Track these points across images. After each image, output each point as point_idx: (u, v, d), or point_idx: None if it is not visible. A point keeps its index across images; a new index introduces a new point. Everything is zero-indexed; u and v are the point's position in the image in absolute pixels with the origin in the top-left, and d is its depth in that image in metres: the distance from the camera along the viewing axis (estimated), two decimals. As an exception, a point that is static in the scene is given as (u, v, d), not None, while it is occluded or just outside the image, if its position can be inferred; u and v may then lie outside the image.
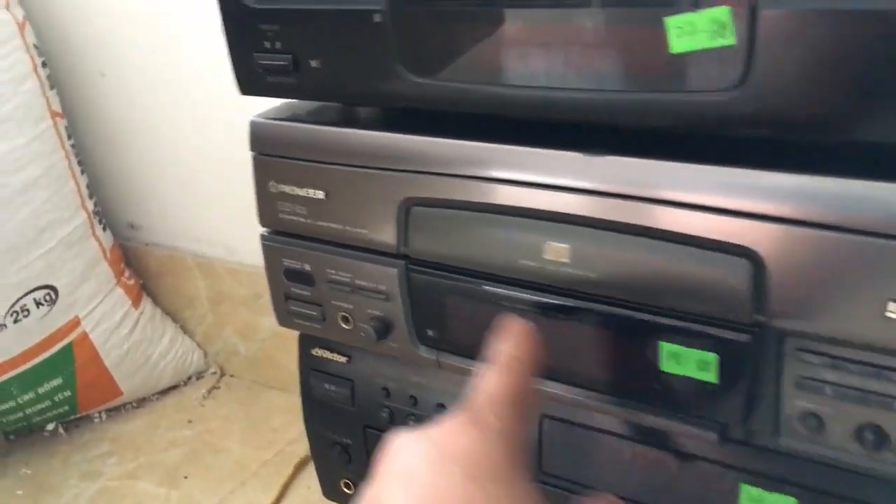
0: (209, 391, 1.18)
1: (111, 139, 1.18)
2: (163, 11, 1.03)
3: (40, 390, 1.06)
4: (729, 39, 0.36)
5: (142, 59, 1.08)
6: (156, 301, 1.22)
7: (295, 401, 1.14)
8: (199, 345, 1.22)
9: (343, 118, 0.55)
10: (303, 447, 1.02)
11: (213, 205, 1.13)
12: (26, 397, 1.05)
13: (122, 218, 1.24)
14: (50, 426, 1.11)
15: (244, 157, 1.06)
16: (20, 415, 1.06)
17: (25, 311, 1.01)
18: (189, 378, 1.21)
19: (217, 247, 1.16)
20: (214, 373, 1.22)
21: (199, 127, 1.08)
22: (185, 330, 1.22)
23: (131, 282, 1.16)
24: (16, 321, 1.01)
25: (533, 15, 0.41)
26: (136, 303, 1.15)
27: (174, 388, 1.20)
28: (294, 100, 0.58)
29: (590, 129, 0.45)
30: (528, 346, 0.41)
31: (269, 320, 1.13)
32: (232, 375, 1.22)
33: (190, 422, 1.12)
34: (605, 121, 0.42)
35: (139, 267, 1.23)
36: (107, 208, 1.20)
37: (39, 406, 1.07)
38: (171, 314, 1.23)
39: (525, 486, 0.35)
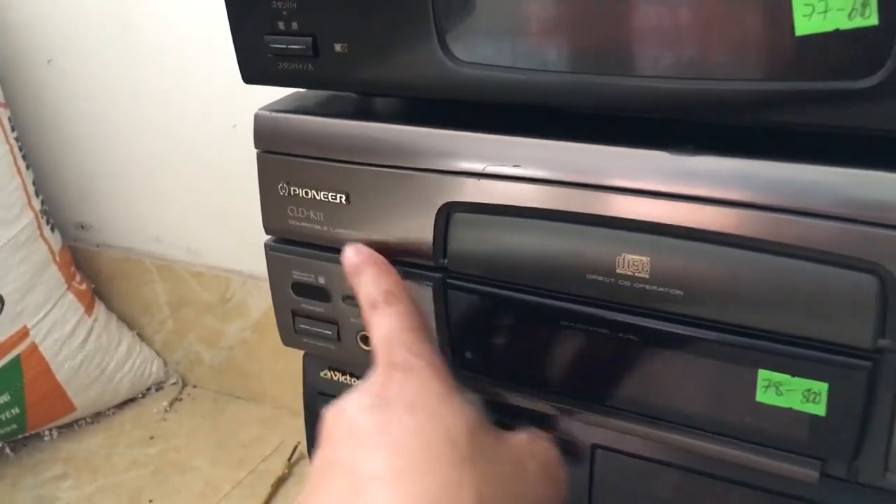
0: (171, 403, 1.10)
1: (58, 132, 1.08)
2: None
3: (-15, 409, 0.96)
4: (871, 19, 0.31)
5: (92, 43, 0.99)
6: (109, 307, 1.12)
7: (265, 412, 1.07)
8: (158, 353, 1.13)
9: (360, 110, 0.48)
10: (278, 464, 0.95)
11: (174, 202, 1.05)
12: (-30, 417, 0.95)
13: (70, 217, 1.14)
14: (-4, 447, 1.01)
15: (210, 150, 0.98)
16: (-37, 436, 0.97)
17: (-32, 323, 0.91)
18: (148, 390, 1.12)
19: (178, 248, 1.07)
20: (175, 383, 1.13)
21: (156, 117, 1.00)
22: (142, 337, 1.14)
23: (83, 286, 1.07)
24: (-43, 335, 0.91)
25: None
26: (88, 309, 1.06)
27: (132, 401, 1.11)
28: (298, 90, 0.51)
29: (671, 125, 0.39)
30: (389, 273, 0.43)
31: (236, 326, 1.05)
32: (195, 386, 1.13)
33: (152, 438, 1.03)
34: (701, 115, 0.36)
35: (90, 270, 1.13)
36: (54, 207, 1.10)
37: (-16, 426, 0.97)
38: (127, 321, 1.14)
39: (463, 406, 0.37)
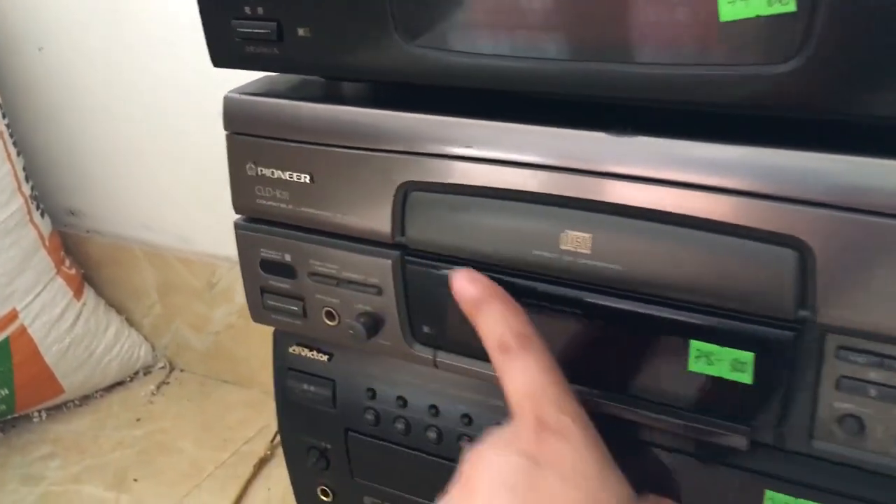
0: (158, 387, 1.12)
1: (49, 119, 1.10)
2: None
3: (-26, 389, 0.98)
4: (789, 5, 0.33)
5: (83, 31, 1.01)
6: (98, 292, 1.14)
7: (252, 396, 1.09)
8: (146, 338, 1.16)
9: (327, 94, 0.50)
10: (261, 445, 0.97)
11: (164, 190, 1.07)
12: (-41, 397, 0.98)
13: (61, 204, 1.16)
14: (-15, 427, 1.04)
15: (199, 139, 1.00)
16: (-48, 416, 0.99)
17: (-43, 305, 0.94)
18: (136, 373, 1.14)
19: (168, 235, 1.09)
20: (163, 367, 1.15)
21: (146, 105, 1.01)
22: (130, 322, 1.16)
23: (72, 271, 1.09)
24: (-53, 316, 0.93)
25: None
26: (77, 294, 1.08)
27: (120, 384, 1.13)
28: (271, 73, 0.53)
29: (615, 108, 0.41)
30: (518, 311, 0.40)
31: (223, 311, 1.07)
32: (182, 370, 1.15)
33: (138, 420, 1.05)
34: (635, 98, 0.38)
35: (80, 256, 1.15)
36: (45, 193, 1.12)
37: (-26, 406, 0.99)
38: (115, 306, 1.16)
39: (618, 481, 0.36)
